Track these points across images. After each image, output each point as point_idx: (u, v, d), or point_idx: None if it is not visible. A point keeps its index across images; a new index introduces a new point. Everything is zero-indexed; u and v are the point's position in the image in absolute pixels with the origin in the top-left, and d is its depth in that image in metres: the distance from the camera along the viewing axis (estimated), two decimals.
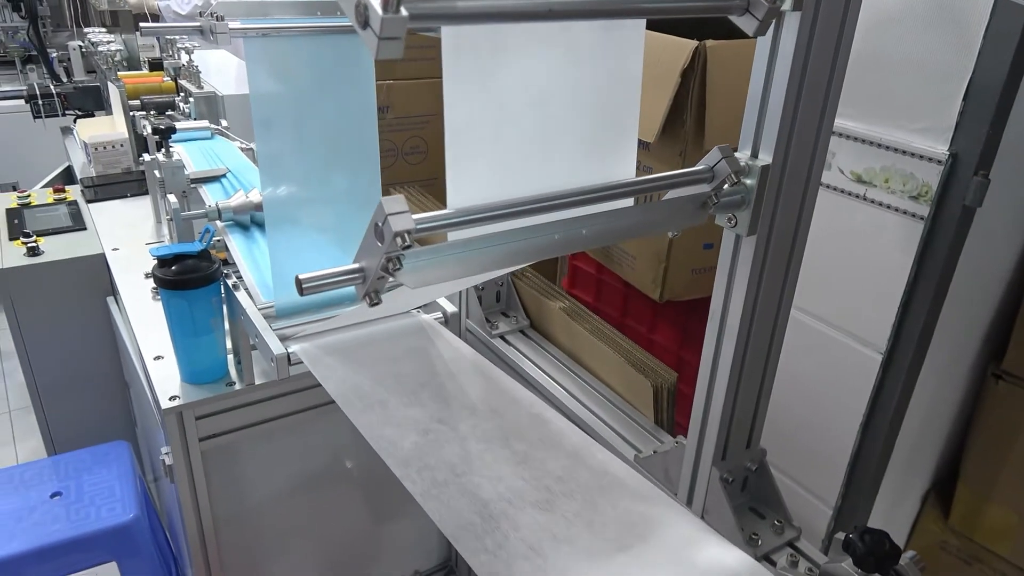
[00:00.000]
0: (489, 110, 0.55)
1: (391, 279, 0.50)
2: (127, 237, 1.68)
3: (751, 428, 0.89)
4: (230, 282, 1.12)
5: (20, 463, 1.63)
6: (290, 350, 0.99)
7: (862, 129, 1.15)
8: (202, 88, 2.07)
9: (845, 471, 1.26)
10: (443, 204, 0.57)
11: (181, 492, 1.20)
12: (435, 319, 1.17)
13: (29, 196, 1.92)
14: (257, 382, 1.18)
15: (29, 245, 1.60)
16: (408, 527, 1.60)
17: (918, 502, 1.52)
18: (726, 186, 0.64)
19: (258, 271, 1.24)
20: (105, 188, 1.98)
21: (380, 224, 0.46)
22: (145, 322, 1.35)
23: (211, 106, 2.09)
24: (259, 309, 1.09)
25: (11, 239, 1.66)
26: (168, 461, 1.22)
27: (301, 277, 0.48)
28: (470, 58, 0.53)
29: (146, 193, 1.95)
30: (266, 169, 1.03)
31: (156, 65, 2.39)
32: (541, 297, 1.27)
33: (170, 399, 1.13)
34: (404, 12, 0.38)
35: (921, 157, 1.06)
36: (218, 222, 1.40)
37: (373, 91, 1.05)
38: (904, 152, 1.08)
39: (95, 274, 1.61)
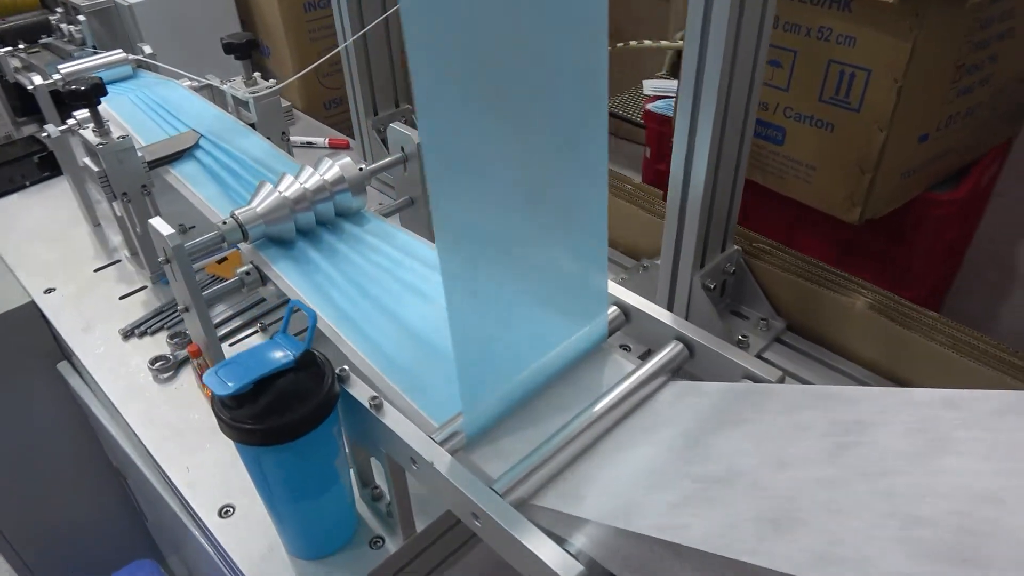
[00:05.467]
0: None
1: None
2: (58, 264, 1.08)
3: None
4: (366, 400, 0.60)
5: None
6: (572, 549, 0.50)
7: None
8: None
9: None
10: None
11: None
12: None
13: None
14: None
15: None
16: None
17: None
18: None
19: (363, 339, 0.71)
20: None
21: None
22: (156, 425, 0.81)
23: (111, 24, 1.40)
24: (438, 442, 0.58)
25: None
26: None
27: None
28: None
29: (50, 176, 1.31)
30: (442, 184, 0.48)
31: None
32: (810, 286, 0.80)
33: None
34: None
35: None
36: (242, 245, 0.84)
37: (605, 43, 0.50)
38: None
39: (30, 336, 1.02)
